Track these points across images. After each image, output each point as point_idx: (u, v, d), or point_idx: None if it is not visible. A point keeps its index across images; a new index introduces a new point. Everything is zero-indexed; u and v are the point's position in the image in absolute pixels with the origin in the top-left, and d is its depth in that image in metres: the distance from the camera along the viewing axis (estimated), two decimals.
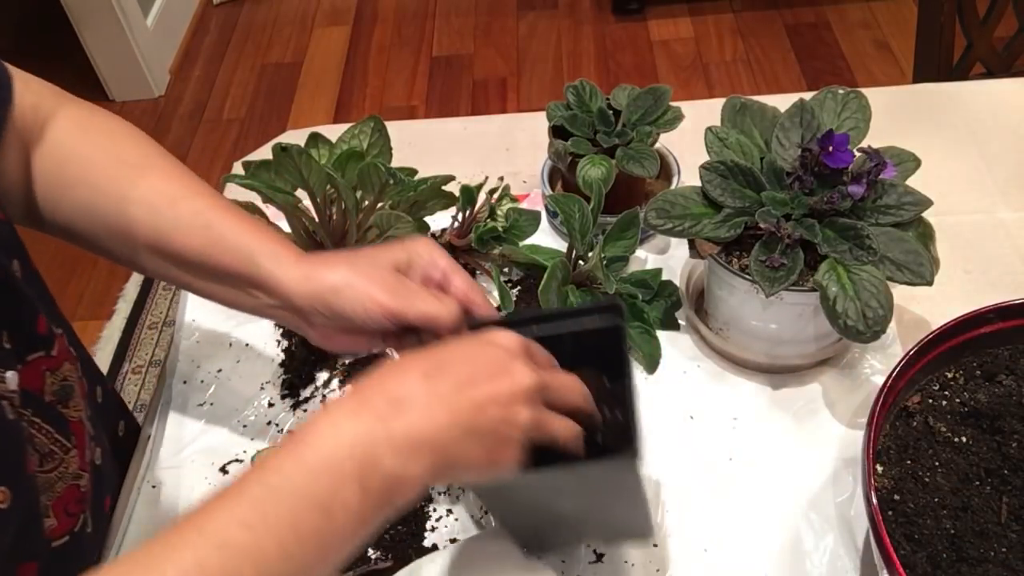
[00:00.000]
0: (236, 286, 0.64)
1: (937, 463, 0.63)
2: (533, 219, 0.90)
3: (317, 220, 0.84)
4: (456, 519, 0.74)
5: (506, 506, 0.63)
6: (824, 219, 0.71)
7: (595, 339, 0.61)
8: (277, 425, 0.83)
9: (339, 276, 0.60)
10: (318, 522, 0.45)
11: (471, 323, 0.61)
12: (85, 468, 0.66)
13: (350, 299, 0.59)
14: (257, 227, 0.64)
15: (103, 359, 1.94)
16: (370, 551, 0.72)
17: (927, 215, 0.72)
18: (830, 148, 0.70)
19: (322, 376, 0.86)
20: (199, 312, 0.93)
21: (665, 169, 0.94)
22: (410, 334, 0.62)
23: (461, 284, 0.62)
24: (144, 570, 0.43)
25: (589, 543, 0.70)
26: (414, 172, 0.89)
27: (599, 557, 0.70)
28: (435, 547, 0.72)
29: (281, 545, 0.44)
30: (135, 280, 2.11)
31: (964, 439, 0.64)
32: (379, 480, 0.47)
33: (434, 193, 0.86)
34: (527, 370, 0.53)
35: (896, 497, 0.61)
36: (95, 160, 0.67)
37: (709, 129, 0.77)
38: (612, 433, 0.59)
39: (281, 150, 0.78)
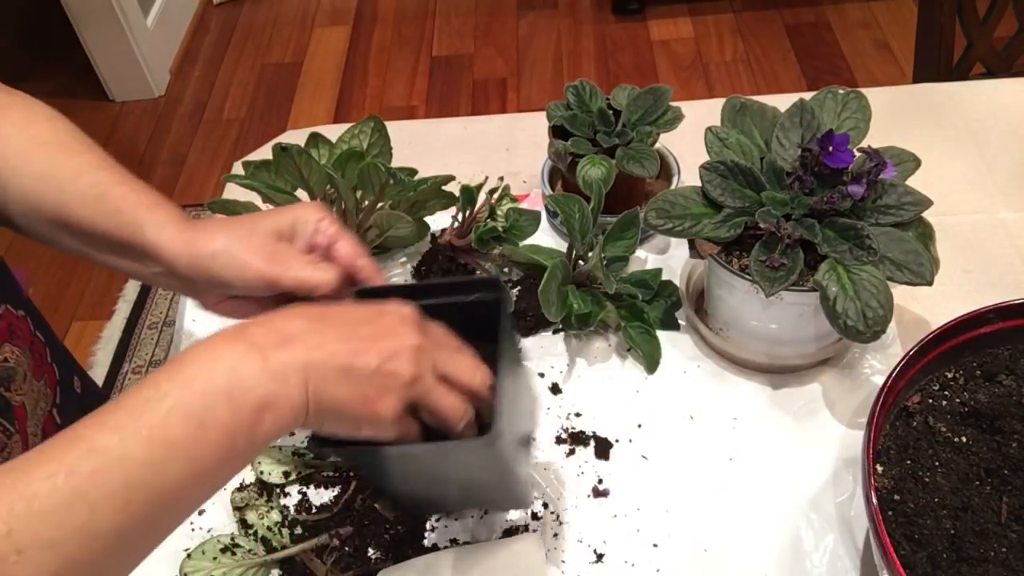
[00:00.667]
0: (129, 256, 0.64)
1: (937, 463, 0.63)
2: (533, 219, 0.90)
3: None
4: (456, 519, 0.74)
5: (380, 475, 0.63)
6: (824, 219, 0.71)
7: (483, 312, 0.61)
8: None
9: (218, 243, 0.61)
10: (189, 431, 0.46)
11: (359, 291, 0.63)
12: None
13: (227, 265, 0.60)
14: (149, 198, 0.64)
15: (103, 359, 1.94)
16: (370, 551, 0.72)
17: (927, 215, 0.72)
18: (830, 148, 0.70)
19: None
20: (199, 312, 0.92)
21: (665, 169, 0.94)
22: (297, 301, 0.62)
23: (347, 250, 0.63)
24: (17, 474, 0.43)
25: (466, 512, 0.71)
26: (414, 172, 0.89)
27: (599, 557, 0.70)
28: (435, 547, 0.72)
29: (150, 450, 0.44)
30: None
31: (964, 439, 0.64)
32: (251, 400, 0.48)
33: (434, 193, 0.87)
34: (415, 331, 0.54)
35: (896, 497, 0.61)
36: (7, 138, 0.67)
37: (709, 129, 0.77)
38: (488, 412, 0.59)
39: (281, 150, 0.78)
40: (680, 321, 0.86)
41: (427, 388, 0.54)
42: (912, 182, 0.73)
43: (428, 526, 0.73)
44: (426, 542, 0.72)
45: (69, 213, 0.64)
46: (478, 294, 0.62)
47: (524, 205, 0.95)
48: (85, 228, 0.64)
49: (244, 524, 0.74)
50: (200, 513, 0.77)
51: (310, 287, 0.60)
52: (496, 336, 0.60)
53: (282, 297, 0.62)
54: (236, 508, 0.74)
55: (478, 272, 0.91)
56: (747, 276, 0.72)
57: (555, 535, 0.72)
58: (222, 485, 0.50)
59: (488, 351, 0.61)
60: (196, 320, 0.92)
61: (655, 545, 0.71)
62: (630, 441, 0.78)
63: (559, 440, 0.78)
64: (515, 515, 0.73)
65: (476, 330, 0.61)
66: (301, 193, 0.83)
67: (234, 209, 0.84)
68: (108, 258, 0.66)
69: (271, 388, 0.48)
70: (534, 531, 0.72)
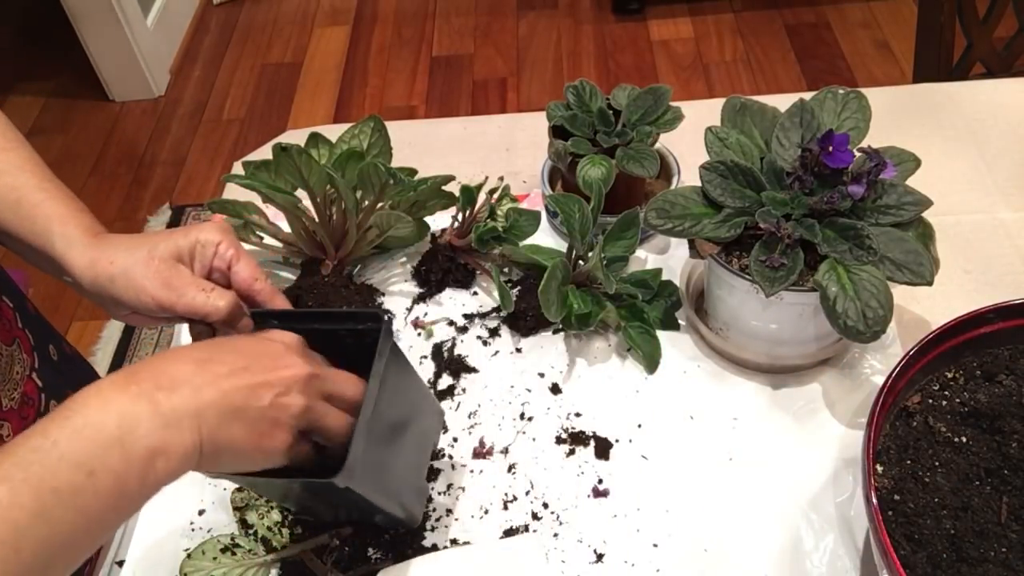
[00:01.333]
0: (46, 261, 0.66)
1: (937, 463, 0.63)
2: (533, 219, 0.90)
3: (317, 220, 0.84)
4: (456, 519, 0.74)
5: (267, 493, 0.65)
6: (824, 219, 0.71)
7: (367, 340, 0.62)
8: None
9: (117, 266, 0.63)
10: (78, 480, 0.45)
11: (254, 313, 0.65)
12: (5, 417, 0.67)
13: (125, 288, 0.62)
14: (64, 209, 0.65)
15: (103, 359, 1.94)
16: (370, 551, 0.72)
17: (927, 215, 0.72)
18: (830, 148, 0.70)
19: None
20: None
21: (665, 169, 0.94)
22: (197, 323, 0.65)
23: (243, 272, 0.66)
24: None
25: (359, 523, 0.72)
26: (414, 172, 0.89)
27: (599, 557, 0.70)
28: (435, 547, 0.72)
29: (38, 500, 0.44)
30: None
31: (964, 439, 0.64)
32: (142, 447, 0.47)
33: (434, 193, 0.87)
34: (302, 361, 0.56)
35: (896, 497, 0.61)
36: None
37: (709, 129, 0.77)
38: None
39: (281, 150, 0.78)
40: (680, 321, 0.86)
41: (318, 413, 0.57)
42: (912, 182, 0.73)
43: (428, 526, 0.74)
44: (426, 542, 0.73)
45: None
46: (367, 324, 0.63)
47: (524, 205, 0.95)
48: (9, 232, 0.66)
49: (244, 524, 0.74)
50: (200, 513, 0.77)
51: (203, 314, 0.62)
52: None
53: (175, 317, 0.65)
54: (236, 508, 0.74)
55: (478, 272, 0.91)
56: (747, 276, 0.72)
57: (555, 535, 0.72)
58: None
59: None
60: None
61: (655, 545, 0.71)
62: (630, 441, 0.78)
63: (559, 440, 0.78)
64: (515, 515, 0.73)
65: (364, 358, 0.62)
66: (301, 193, 0.83)
67: (234, 209, 0.84)
68: (29, 258, 0.68)
69: (162, 435, 0.48)
70: (534, 531, 0.72)
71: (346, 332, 0.64)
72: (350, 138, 0.89)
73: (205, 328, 0.65)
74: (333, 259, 0.85)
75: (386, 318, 0.62)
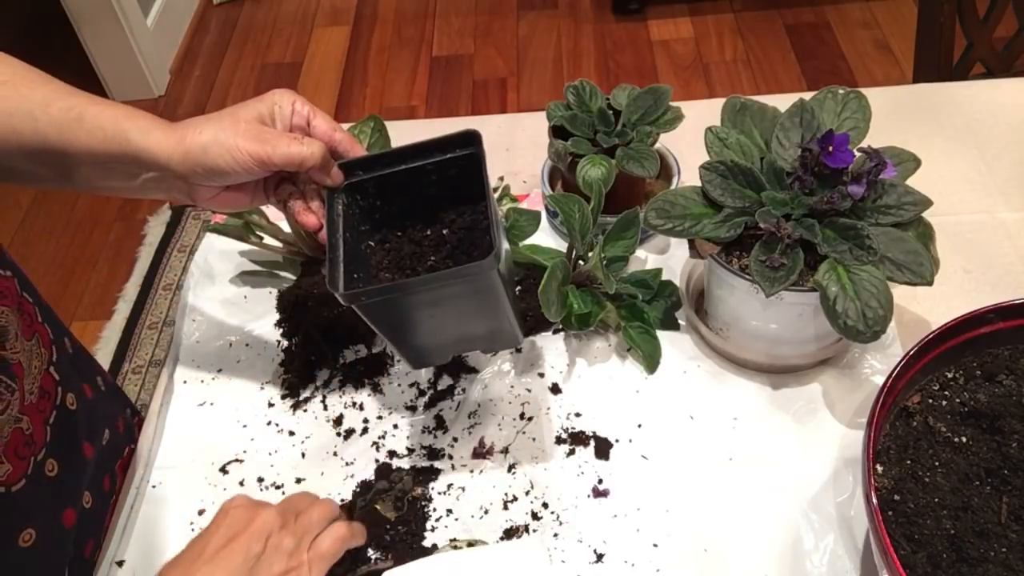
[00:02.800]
0: (118, 171, 0.67)
1: (937, 463, 0.63)
2: (533, 219, 0.90)
3: None
4: (456, 519, 0.74)
5: (387, 322, 0.68)
6: (824, 219, 0.71)
7: (456, 168, 0.69)
8: (277, 425, 0.83)
9: (207, 135, 0.64)
10: None
11: (341, 164, 0.68)
12: (25, 411, 0.68)
13: (219, 153, 0.64)
14: (126, 110, 0.66)
15: (103, 359, 1.94)
16: (370, 551, 0.72)
17: (927, 215, 0.72)
18: (830, 148, 0.70)
19: (322, 376, 0.86)
20: (199, 312, 0.93)
21: (665, 169, 0.94)
22: (286, 183, 0.70)
23: (323, 125, 0.69)
24: None
25: (466, 352, 0.76)
26: None
27: (599, 557, 0.70)
28: (435, 547, 0.72)
29: None
30: (135, 280, 2.11)
31: (964, 439, 0.64)
32: None
33: None
34: (268, 517, 0.65)
35: (896, 497, 0.61)
36: None
37: (709, 129, 0.77)
38: (483, 254, 0.67)
39: None
40: (680, 321, 0.86)
41: (303, 526, 0.66)
42: (912, 182, 0.73)
43: (428, 526, 0.74)
44: (426, 542, 0.73)
45: (48, 141, 0.65)
46: (456, 150, 0.69)
47: (524, 205, 0.95)
48: (66, 151, 0.65)
49: None
50: (200, 513, 0.77)
51: (299, 160, 0.65)
52: (471, 187, 0.68)
53: (272, 181, 0.69)
54: None
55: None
56: (747, 276, 0.72)
57: (555, 535, 0.72)
58: None
59: (470, 198, 0.71)
60: (196, 320, 0.92)
61: (655, 545, 0.71)
62: (630, 441, 0.78)
63: (559, 440, 0.78)
64: (515, 515, 0.73)
65: (452, 185, 0.69)
66: None
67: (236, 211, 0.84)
68: (90, 178, 0.68)
69: None
70: (535, 531, 0.72)
71: (432, 167, 0.69)
72: None
73: (291, 188, 0.70)
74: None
75: (477, 133, 0.68)
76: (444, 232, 0.73)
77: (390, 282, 0.69)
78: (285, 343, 0.88)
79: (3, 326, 0.67)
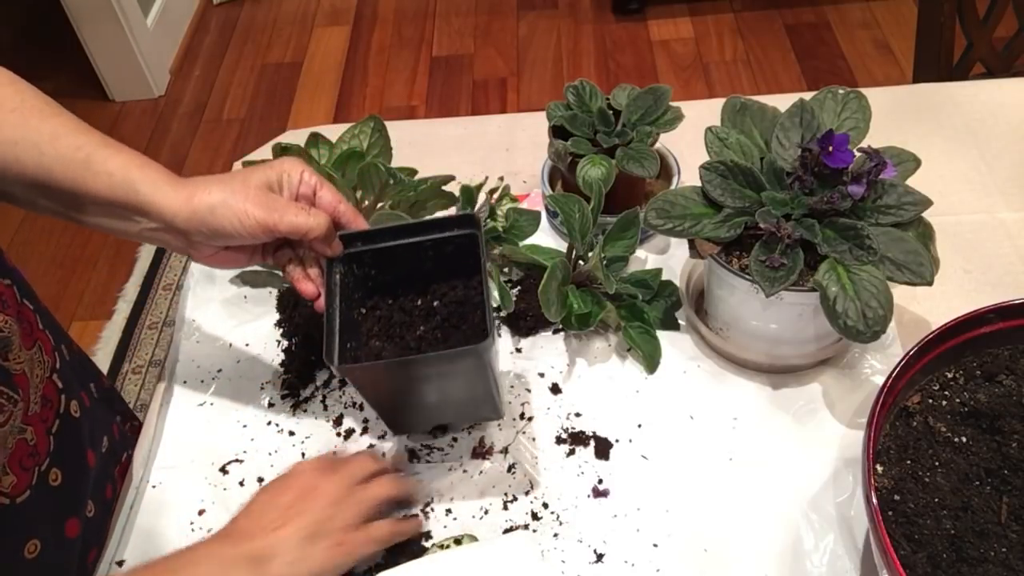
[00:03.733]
0: (119, 215, 0.67)
1: (937, 463, 0.63)
2: (533, 219, 0.90)
3: None
4: (455, 519, 0.74)
5: (377, 391, 0.71)
6: (824, 219, 0.71)
7: (452, 246, 0.72)
8: (277, 425, 0.83)
9: (215, 196, 0.65)
10: None
11: (342, 235, 0.71)
12: (29, 421, 0.67)
13: (226, 216, 0.65)
14: (137, 158, 0.67)
15: (103, 359, 1.94)
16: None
17: (927, 215, 0.72)
18: (830, 148, 0.70)
19: (322, 376, 0.86)
20: (199, 312, 0.93)
21: (665, 169, 0.94)
22: (285, 248, 0.72)
23: (328, 196, 0.70)
24: None
25: (448, 424, 0.77)
26: (414, 172, 0.89)
27: (599, 557, 0.70)
28: (424, 549, 0.72)
29: None
30: (135, 280, 2.11)
31: (964, 439, 0.64)
32: None
33: (434, 193, 0.86)
34: (332, 488, 0.68)
35: (896, 497, 0.61)
36: None
37: (709, 129, 0.77)
38: (479, 323, 0.72)
39: (281, 150, 0.78)
40: (680, 321, 0.86)
41: (367, 498, 0.70)
42: (912, 182, 0.73)
43: (428, 526, 0.74)
44: (427, 543, 0.72)
45: (52, 176, 0.65)
46: (453, 229, 0.72)
47: (524, 205, 0.95)
48: (69, 189, 0.65)
49: None
50: (200, 513, 0.77)
51: (305, 230, 0.67)
52: (465, 263, 0.72)
53: (272, 245, 0.71)
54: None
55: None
56: (747, 276, 0.72)
57: (555, 535, 0.72)
58: None
59: (462, 275, 0.75)
60: (196, 320, 0.92)
61: (655, 545, 0.71)
62: (630, 441, 0.78)
63: (559, 440, 0.78)
64: (515, 515, 0.73)
65: (447, 260, 0.73)
66: None
67: None
68: (88, 216, 0.68)
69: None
70: (533, 531, 0.72)
71: (429, 243, 0.72)
72: (350, 138, 0.88)
73: (290, 254, 0.72)
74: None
75: (477, 215, 0.71)
76: (435, 304, 0.75)
77: (380, 351, 0.73)
78: (285, 343, 0.88)
79: (6, 337, 0.66)
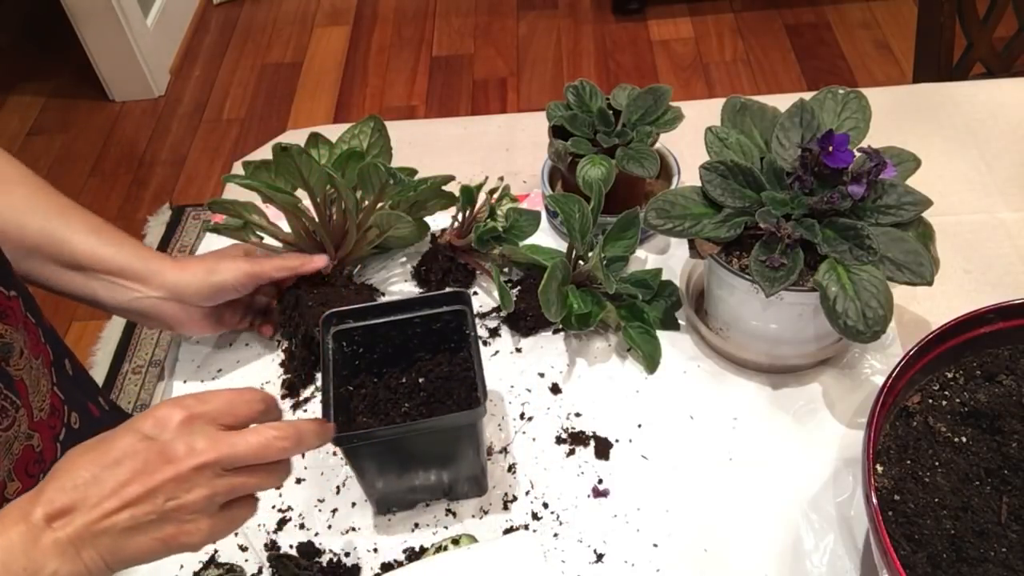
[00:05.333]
0: (120, 283, 0.77)
1: (937, 463, 0.63)
2: (533, 219, 0.90)
3: (317, 220, 0.84)
4: (456, 519, 0.74)
5: (371, 465, 0.70)
6: (824, 219, 0.71)
7: (440, 322, 0.74)
8: None
9: (208, 262, 0.79)
10: None
11: (328, 315, 0.72)
12: (34, 428, 0.67)
13: (225, 271, 0.78)
14: (127, 236, 0.79)
15: (103, 359, 1.94)
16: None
17: (927, 215, 0.72)
18: (830, 148, 0.70)
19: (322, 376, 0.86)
20: None
21: (665, 169, 0.94)
22: (267, 314, 0.89)
23: (275, 265, 0.81)
24: None
25: (432, 500, 0.75)
26: (414, 172, 0.89)
27: (599, 557, 0.70)
28: (423, 549, 0.72)
29: None
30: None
31: (964, 439, 0.64)
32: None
33: (434, 193, 0.87)
34: (190, 449, 0.52)
35: (896, 497, 0.61)
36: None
37: (709, 129, 0.77)
38: (464, 398, 0.73)
39: (281, 150, 0.78)
40: (680, 321, 0.86)
41: (232, 489, 0.53)
42: (912, 182, 0.73)
43: (431, 531, 0.74)
44: (425, 543, 0.72)
45: (66, 245, 0.75)
46: (443, 306, 0.74)
47: (524, 205, 0.95)
48: (82, 260, 0.75)
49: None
50: None
51: (292, 267, 0.81)
52: (451, 339, 0.74)
53: (254, 307, 0.87)
54: None
55: (478, 272, 0.91)
56: (747, 276, 0.72)
57: (555, 535, 0.72)
58: None
59: (449, 350, 0.75)
60: None
61: (655, 545, 0.71)
62: (630, 441, 0.78)
63: (559, 440, 0.78)
64: (515, 515, 0.73)
65: (434, 335, 0.75)
66: (301, 193, 0.83)
67: (234, 209, 0.84)
68: (93, 284, 0.77)
69: (63, 565, 0.50)
70: (533, 531, 0.72)
71: (418, 319, 0.73)
72: (350, 138, 0.88)
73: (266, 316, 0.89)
74: (333, 259, 0.85)
75: (468, 293, 0.75)
76: (420, 380, 0.75)
77: (367, 427, 0.72)
78: (285, 343, 0.88)
79: (7, 343, 0.67)
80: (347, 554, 0.72)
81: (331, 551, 0.72)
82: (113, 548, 0.51)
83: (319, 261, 0.82)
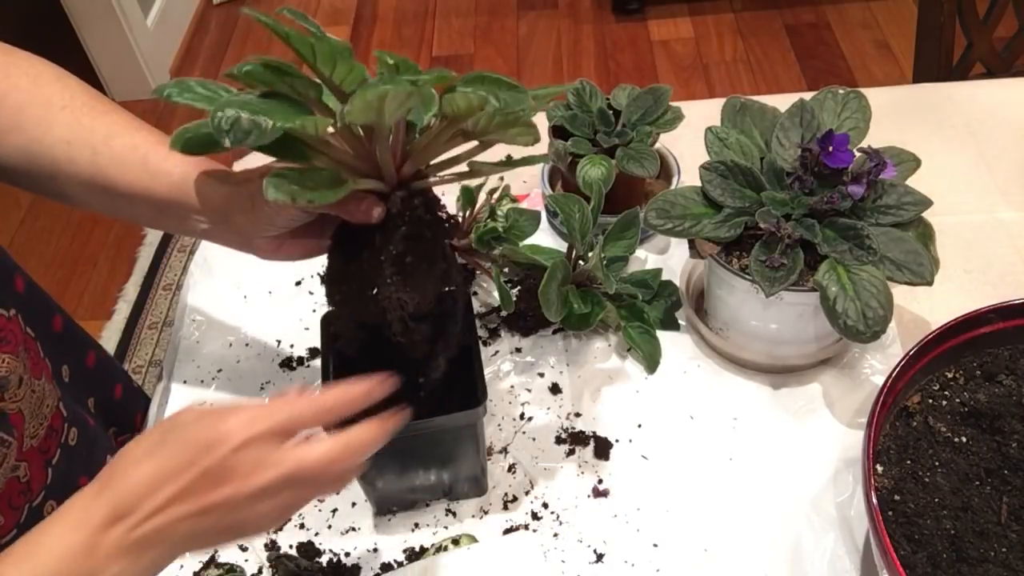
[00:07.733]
0: (178, 214, 0.65)
1: (937, 463, 0.63)
2: (533, 219, 0.89)
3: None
4: (456, 518, 0.74)
5: (372, 464, 0.66)
6: (824, 219, 0.71)
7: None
8: None
9: (254, 185, 0.61)
10: None
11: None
12: (23, 458, 0.66)
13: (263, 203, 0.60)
14: (195, 159, 0.64)
15: None
16: None
17: (927, 215, 0.72)
18: (830, 148, 0.70)
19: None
20: (199, 312, 0.93)
21: (665, 169, 0.94)
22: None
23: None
24: None
25: (432, 500, 0.75)
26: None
27: (599, 557, 0.70)
28: (423, 549, 0.72)
29: None
30: (135, 280, 2.11)
31: (964, 439, 0.64)
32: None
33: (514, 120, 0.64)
34: (256, 464, 0.50)
35: (896, 497, 0.61)
36: (23, 105, 0.65)
37: (709, 129, 0.77)
38: (464, 398, 0.67)
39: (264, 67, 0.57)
40: (680, 321, 0.86)
41: (291, 504, 0.52)
42: (912, 182, 0.73)
43: (431, 531, 0.74)
44: (426, 543, 0.72)
45: (108, 177, 0.63)
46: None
47: (524, 205, 0.95)
48: (125, 190, 0.63)
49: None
50: None
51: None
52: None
53: (329, 223, 0.62)
54: None
55: (478, 272, 0.91)
56: (747, 276, 0.72)
57: (555, 535, 0.72)
58: None
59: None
60: (196, 320, 0.92)
61: (655, 545, 0.71)
62: (630, 441, 0.78)
63: (559, 440, 0.78)
64: (516, 515, 0.73)
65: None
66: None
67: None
68: (147, 215, 0.66)
69: (128, 562, 0.48)
70: (534, 531, 0.72)
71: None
72: None
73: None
74: (393, 182, 0.60)
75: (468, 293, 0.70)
76: (420, 380, 0.71)
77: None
78: (285, 343, 0.88)
79: (4, 377, 0.65)
80: (347, 554, 0.72)
81: (331, 551, 0.72)
82: (186, 545, 0.50)
83: (369, 207, 0.58)
